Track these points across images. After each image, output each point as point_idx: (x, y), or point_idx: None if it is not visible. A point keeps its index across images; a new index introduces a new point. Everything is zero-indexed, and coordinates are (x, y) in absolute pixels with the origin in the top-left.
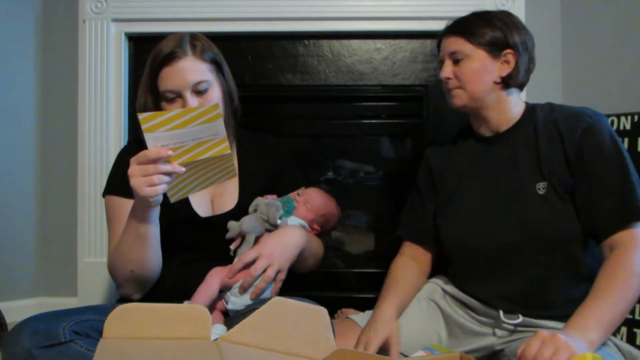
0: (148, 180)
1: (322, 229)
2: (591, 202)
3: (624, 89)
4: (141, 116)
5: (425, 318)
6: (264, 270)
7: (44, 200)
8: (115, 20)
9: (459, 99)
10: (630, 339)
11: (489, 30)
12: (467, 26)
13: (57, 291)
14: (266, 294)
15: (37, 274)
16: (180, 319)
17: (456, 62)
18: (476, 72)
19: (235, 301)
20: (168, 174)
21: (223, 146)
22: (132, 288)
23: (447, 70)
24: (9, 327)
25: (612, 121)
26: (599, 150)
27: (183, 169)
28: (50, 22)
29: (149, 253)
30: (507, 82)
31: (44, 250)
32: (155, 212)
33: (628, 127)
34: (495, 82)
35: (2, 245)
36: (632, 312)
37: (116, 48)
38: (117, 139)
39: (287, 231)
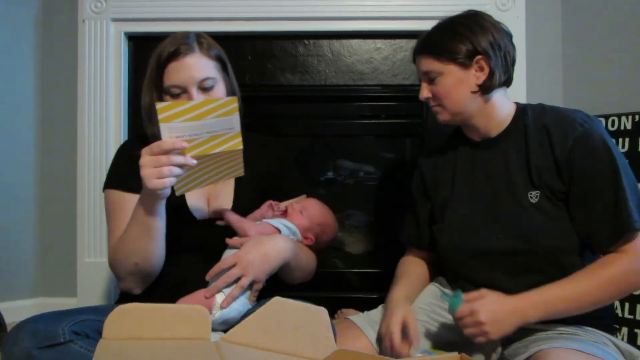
0: (159, 172)
1: (317, 241)
2: (584, 213)
3: (624, 89)
4: (159, 105)
5: (428, 313)
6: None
7: (44, 200)
8: (114, 20)
9: (442, 115)
10: (631, 339)
11: (456, 43)
12: (433, 43)
13: (57, 291)
14: (242, 302)
15: (36, 275)
16: (180, 319)
17: (431, 80)
18: (451, 88)
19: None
20: (180, 166)
21: (236, 141)
22: (134, 282)
23: (424, 91)
24: (9, 328)
25: (613, 121)
26: (591, 160)
27: (195, 162)
28: (50, 22)
29: (154, 246)
30: (486, 88)
31: (43, 251)
32: (162, 205)
33: (629, 127)
34: (473, 92)
35: (2, 245)
36: (633, 312)
37: (116, 48)
38: (117, 139)
39: (272, 241)
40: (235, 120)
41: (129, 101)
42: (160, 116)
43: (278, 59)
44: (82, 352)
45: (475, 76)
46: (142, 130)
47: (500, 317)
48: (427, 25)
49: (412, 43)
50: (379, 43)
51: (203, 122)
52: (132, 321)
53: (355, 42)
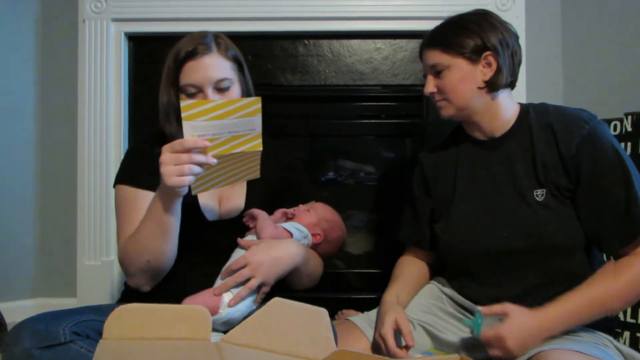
0: (179, 170)
1: (326, 238)
2: (594, 211)
3: (624, 90)
4: (183, 103)
5: (427, 313)
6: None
7: (44, 201)
8: (115, 20)
9: (446, 110)
10: (633, 343)
11: (465, 37)
12: (442, 37)
13: (57, 292)
14: (247, 304)
15: (36, 275)
16: (180, 320)
17: (438, 74)
18: (457, 82)
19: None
20: (200, 164)
21: (257, 142)
22: (144, 279)
23: (430, 85)
24: (9, 328)
25: (613, 122)
26: (600, 161)
27: (215, 161)
28: (50, 22)
29: (168, 244)
30: (492, 85)
31: (43, 251)
32: (179, 203)
33: (629, 128)
34: (480, 88)
35: (2, 245)
36: (635, 316)
37: (116, 48)
38: (117, 139)
39: (284, 245)
40: (257, 122)
41: (129, 101)
42: (184, 114)
43: (278, 59)
44: (82, 352)
45: (482, 72)
46: (147, 127)
47: (527, 338)
48: (427, 25)
49: (412, 43)
50: (379, 43)
51: (226, 122)
52: (132, 321)
53: (355, 42)
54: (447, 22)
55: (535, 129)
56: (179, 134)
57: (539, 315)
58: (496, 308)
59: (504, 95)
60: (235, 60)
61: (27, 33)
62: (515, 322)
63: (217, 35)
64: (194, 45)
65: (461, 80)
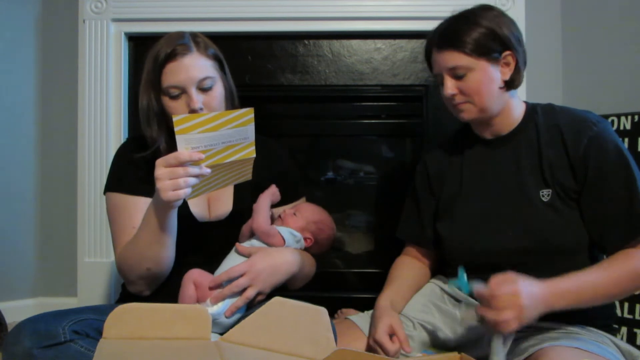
0: (175, 184)
1: (317, 240)
2: (598, 211)
3: (624, 89)
4: (175, 118)
5: (427, 313)
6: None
7: (44, 200)
8: (115, 20)
9: (468, 113)
10: (631, 339)
11: (482, 35)
12: (457, 36)
13: (57, 291)
14: (241, 310)
15: (37, 274)
16: (180, 319)
17: (457, 76)
18: (483, 84)
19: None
20: (195, 176)
21: (250, 150)
22: (145, 285)
23: (450, 86)
24: (9, 327)
25: (613, 121)
26: (606, 159)
27: (209, 171)
28: (50, 22)
29: (166, 251)
30: (511, 85)
31: (44, 250)
32: (175, 213)
33: (628, 127)
34: (500, 88)
35: (2, 245)
36: (632, 312)
37: (116, 48)
38: (117, 139)
39: (281, 254)
40: (250, 130)
41: (129, 101)
42: (177, 128)
43: (278, 59)
44: (82, 351)
45: (502, 72)
46: (139, 131)
47: (528, 304)
48: (427, 26)
49: (412, 43)
50: (379, 43)
51: (219, 133)
52: (133, 321)
53: (355, 42)
54: (458, 20)
55: (542, 129)
56: (159, 138)
57: (544, 285)
58: (500, 277)
59: (514, 94)
60: (216, 58)
61: (27, 33)
62: (524, 281)
63: (194, 35)
64: (172, 46)
65: (486, 82)
